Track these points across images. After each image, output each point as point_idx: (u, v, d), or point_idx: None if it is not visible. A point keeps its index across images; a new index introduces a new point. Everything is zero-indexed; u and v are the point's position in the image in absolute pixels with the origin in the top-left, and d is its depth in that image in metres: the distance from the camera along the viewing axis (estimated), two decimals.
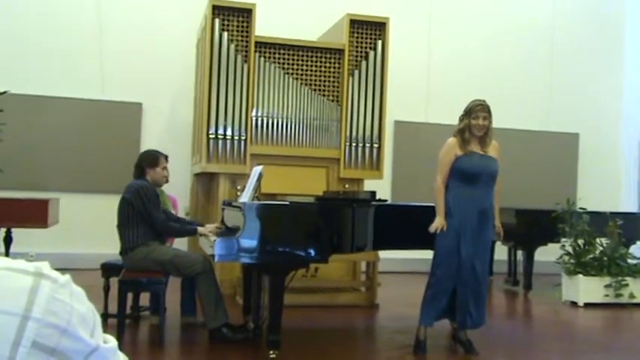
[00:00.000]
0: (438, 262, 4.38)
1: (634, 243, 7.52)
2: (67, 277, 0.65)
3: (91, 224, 7.67)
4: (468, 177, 4.33)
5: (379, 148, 6.75)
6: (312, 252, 4.14)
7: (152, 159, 4.67)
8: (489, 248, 4.50)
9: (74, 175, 7.88)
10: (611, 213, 7.23)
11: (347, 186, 6.68)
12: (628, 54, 9.96)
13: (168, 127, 8.23)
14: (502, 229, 4.61)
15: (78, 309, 0.63)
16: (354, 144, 6.69)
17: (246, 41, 6.48)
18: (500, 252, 8.05)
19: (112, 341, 0.67)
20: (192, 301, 5.00)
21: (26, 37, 7.86)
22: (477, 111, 4.34)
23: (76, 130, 7.92)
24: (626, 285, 6.68)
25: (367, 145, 6.71)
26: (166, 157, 4.80)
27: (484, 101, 4.40)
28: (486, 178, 4.36)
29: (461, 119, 4.42)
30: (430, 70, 9.12)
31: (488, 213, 4.39)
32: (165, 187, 4.98)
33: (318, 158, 6.67)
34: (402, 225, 4.64)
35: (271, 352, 4.06)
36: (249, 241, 4.00)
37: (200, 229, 4.58)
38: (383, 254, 5.98)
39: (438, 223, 4.31)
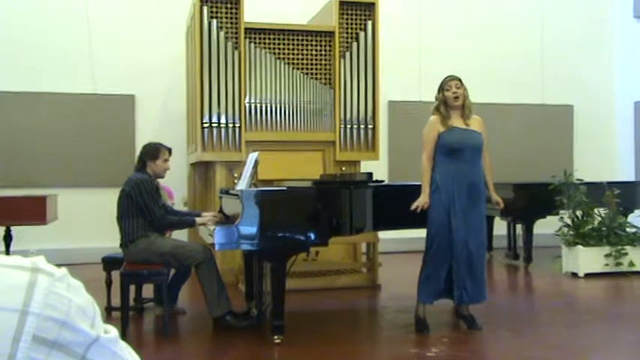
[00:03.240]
0: (431, 239, 4.41)
1: (632, 211, 7.55)
2: (63, 270, 0.66)
3: (89, 219, 7.68)
4: (452, 152, 4.36)
5: (374, 129, 6.74)
6: (312, 236, 4.15)
7: (153, 151, 4.67)
8: (483, 222, 4.51)
9: (70, 171, 7.87)
10: (608, 183, 7.25)
11: (343, 168, 6.68)
12: (618, 23, 9.92)
13: (162, 117, 8.21)
14: (501, 200, 4.64)
15: (76, 301, 0.63)
16: (348, 126, 6.68)
17: (236, 28, 6.44)
18: (500, 226, 8.09)
19: (113, 331, 0.67)
20: (176, 290, 5.02)
21: (15, 33, 7.81)
22: (448, 81, 4.44)
23: (70, 126, 7.90)
24: (626, 254, 6.72)
25: (362, 126, 6.70)
26: (170, 150, 4.79)
27: (454, 75, 4.48)
28: (470, 151, 4.39)
29: (436, 96, 4.47)
30: (422, 48, 9.08)
31: (478, 187, 4.41)
32: (162, 179, 4.97)
33: (313, 142, 6.66)
34: (400, 205, 4.65)
35: (276, 337, 4.09)
36: (249, 228, 4.01)
37: (198, 219, 4.60)
38: (382, 235, 6.00)
39: (421, 201, 4.35)
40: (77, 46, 7.99)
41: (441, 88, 4.45)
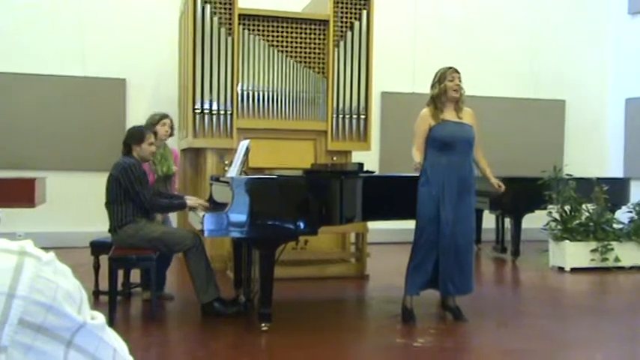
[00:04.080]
0: (420, 231, 4.43)
1: (619, 208, 7.61)
2: (51, 254, 0.65)
3: (78, 202, 7.65)
4: (443, 145, 4.37)
5: (366, 120, 6.74)
6: (302, 224, 4.15)
7: (138, 135, 4.65)
8: (472, 215, 4.54)
9: (60, 154, 7.82)
10: (598, 179, 7.29)
11: (335, 158, 6.68)
12: (612, 19, 9.95)
13: (154, 102, 8.14)
14: (500, 183, 4.68)
15: (63, 286, 0.63)
16: (340, 116, 6.67)
17: (230, 14, 6.40)
18: (488, 220, 8.14)
19: (100, 317, 0.67)
20: (163, 278, 5.05)
21: (4, 14, 7.72)
22: (451, 73, 4.43)
23: (59, 108, 7.84)
24: (612, 249, 6.78)
25: (354, 116, 6.69)
26: (155, 133, 4.80)
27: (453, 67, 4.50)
28: (462, 144, 4.40)
29: (434, 86, 4.46)
30: (416, 39, 9.07)
31: (468, 180, 4.43)
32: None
33: (305, 131, 6.65)
34: (390, 195, 4.67)
35: (263, 324, 4.10)
36: (239, 216, 4.01)
37: (189, 202, 4.59)
38: (372, 225, 6.01)
39: (414, 165, 4.38)
40: (68, 29, 7.91)
41: (442, 79, 4.42)
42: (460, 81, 4.43)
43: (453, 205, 4.35)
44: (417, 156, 4.41)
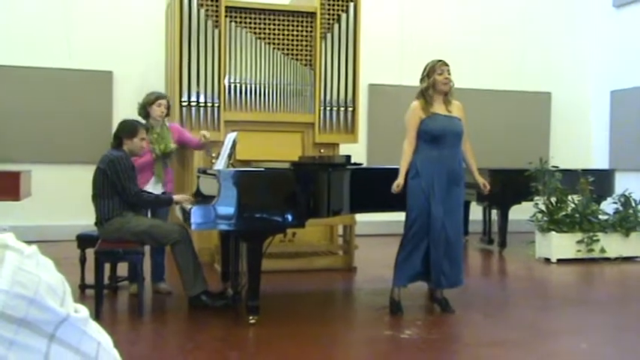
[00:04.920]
0: (410, 224, 4.44)
1: (605, 199, 7.67)
2: (33, 247, 0.65)
3: (64, 196, 7.59)
4: (433, 138, 4.38)
5: (354, 112, 6.74)
6: (289, 217, 4.15)
7: (130, 129, 4.60)
8: (461, 208, 4.57)
9: (45, 147, 7.75)
10: (583, 170, 7.35)
11: (322, 151, 6.68)
12: (598, 12, 9.99)
13: (140, 95, 7.98)
14: (487, 183, 4.69)
15: (45, 279, 0.63)
16: (328, 108, 6.66)
17: (216, 6, 6.37)
18: (475, 212, 8.18)
19: (84, 311, 0.67)
20: (161, 267, 5.04)
21: None
22: (441, 66, 4.41)
23: (45, 101, 7.77)
24: (597, 240, 6.84)
25: (342, 108, 6.69)
26: (147, 129, 4.75)
27: (442, 59, 4.47)
28: (451, 138, 4.41)
29: (423, 80, 4.45)
30: (403, 31, 9.07)
31: (458, 172, 4.45)
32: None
33: (292, 123, 6.64)
34: (378, 188, 4.67)
35: (251, 317, 4.10)
36: (226, 209, 4.00)
37: (175, 196, 4.57)
38: (359, 217, 6.02)
39: (396, 182, 4.37)
40: (54, 21, 7.83)
41: (432, 71, 4.41)
42: (449, 74, 4.43)
43: (443, 197, 4.37)
44: (408, 151, 4.41)
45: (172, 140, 5.12)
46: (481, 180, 4.65)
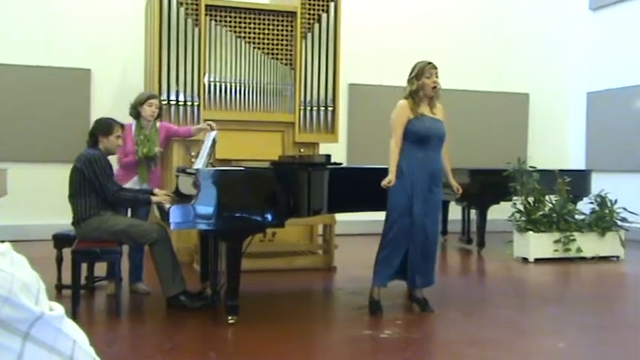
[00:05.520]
0: (391, 223, 4.45)
1: (581, 199, 7.76)
2: (6, 245, 0.63)
3: (41, 195, 7.50)
4: (419, 140, 4.39)
5: (334, 112, 6.74)
6: (269, 216, 4.14)
7: (106, 127, 4.55)
8: (439, 208, 4.60)
9: (22, 145, 7.65)
10: (560, 170, 7.43)
11: (302, 150, 6.67)
12: (574, 14, 10.11)
13: (119, 93, 8.02)
14: (459, 187, 4.71)
15: (19, 277, 0.61)
16: (308, 108, 6.66)
17: (196, 4, 6.33)
18: (454, 211, 8.23)
19: (59, 308, 0.66)
20: (140, 268, 5.00)
21: None
22: (430, 69, 4.40)
23: (22, 98, 7.67)
24: (574, 240, 6.92)
25: (322, 108, 6.69)
26: (122, 127, 4.70)
27: (432, 62, 4.46)
28: (436, 140, 4.44)
29: (411, 81, 4.44)
30: (384, 32, 9.10)
31: (439, 174, 4.49)
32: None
33: (272, 122, 6.62)
34: (357, 187, 4.68)
35: (230, 317, 4.08)
36: (206, 208, 3.98)
37: (153, 197, 4.52)
38: (339, 217, 6.03)
39: (387, 179, 4.37)
40: (32, 17, 7.73)
41: (421, 74, 4.39)
42: (437, 77, 4.43)
43: (424, 198, 4.39)
44: (395, 149, 4.40)
45: (158, 144, 5.07)
46: (455, 184, 4.66)
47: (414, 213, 4.37)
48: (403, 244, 4.43)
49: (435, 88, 4.39)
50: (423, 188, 4.39)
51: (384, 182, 4.38)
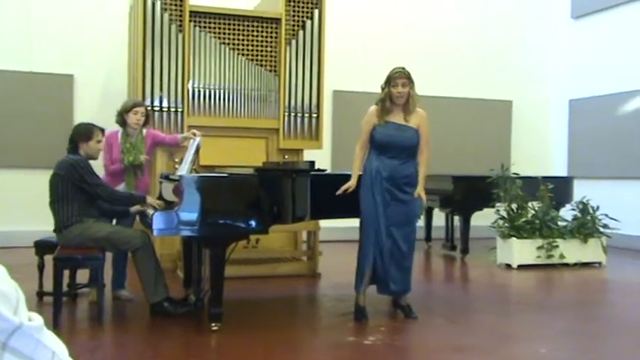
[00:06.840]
0: (362, 229, 4.48)
1: (564, 206, 7.82)
2: None
3: (22, 201, 7.42)
4: (380, 147, 4.42)
5: (318, 118, 6.75)
6: (253, 223, 4.13)
7: (86, 132, 4.51)
8: (412, 217, 4.52)
9: (3, 151, 7.58)
10: (543, 177, 7.49)
11: (286, 157, 6.67)
12: (556, 23, 10.23)
13: (102, 99, 7.98)
14: (425, 198, 4.53)
15: None
16: (292, 114, 6.66)
17: (180, 10, 6.32)
18: (438, 218, 8.26)
19: (38, 319, 0.65)
20: (123, 274, 4.96)
21: None
22: (396, 78, 4.36)
23: (4, 104, 7.60)
24: (557, 246, 6.97)
25: (306, 115, 6.69)
26: (102, 131, 4.66)
27: (403, 68, 4.42)
28: (398, 149, 4.40)
29: (382, 88, 4.45)
30: (368, 39, 9.13)
31: (406, 182, 4.41)
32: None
33: (256, 129, 6.61)
34: (341, 194, 4.68)
35: (213, 324, 4.06)
36: (189, 214, 3.96)
37: (149, 199, 4.48)
38: (323, 223, 6.02)
39: (347, 186, 4.40)
40: (14, 23, 7.67)
41: (388, 82, 4.38)
42: (407, 85, 4.35)
43: (387, 204, 4.38)
44: (360, 154, 4.47)
45: (144, 151, 5.04)
46: (422, 195, 4.47)
47: (379, 217, 4.38)
48: (370, 249, 4.44)
49: (399, 97, 4.34)
50: (385, 195, 4.39)
51: (342, 188, 4.39)
